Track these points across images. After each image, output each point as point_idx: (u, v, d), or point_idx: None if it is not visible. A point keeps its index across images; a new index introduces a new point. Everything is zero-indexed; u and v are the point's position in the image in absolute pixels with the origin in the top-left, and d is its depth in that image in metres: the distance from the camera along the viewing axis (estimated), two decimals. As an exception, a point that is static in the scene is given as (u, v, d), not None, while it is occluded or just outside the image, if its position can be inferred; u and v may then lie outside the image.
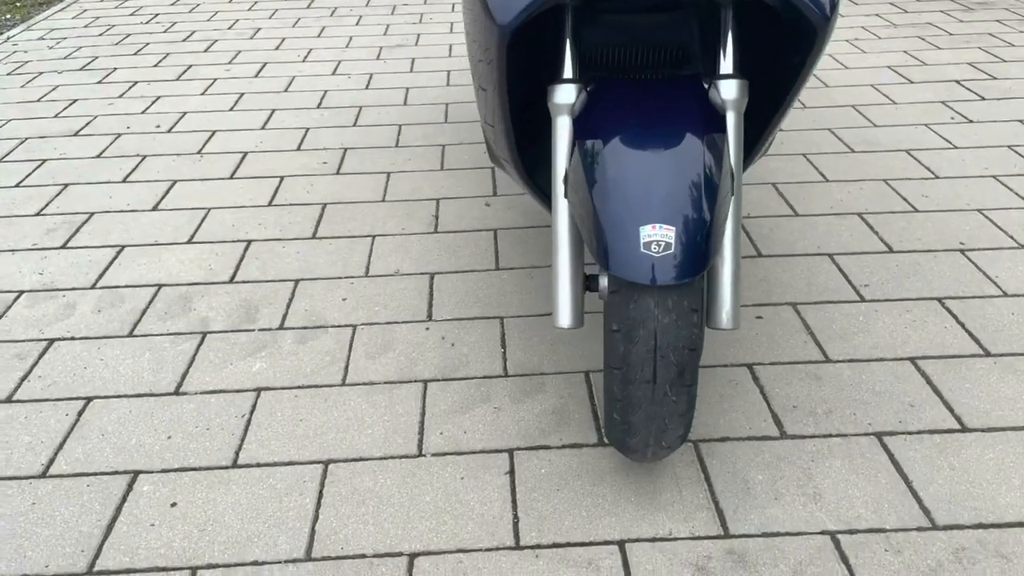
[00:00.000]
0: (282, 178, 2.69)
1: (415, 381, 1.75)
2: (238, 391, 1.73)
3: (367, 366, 1.79)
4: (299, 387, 1.74)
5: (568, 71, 1.41)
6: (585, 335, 1.87)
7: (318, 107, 3.26)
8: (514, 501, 1.45)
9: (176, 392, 1.74)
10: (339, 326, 1.93)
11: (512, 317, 1.94)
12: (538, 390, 1.71)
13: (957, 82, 3.30)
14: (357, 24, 4.37)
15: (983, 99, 3.13)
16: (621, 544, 1.36)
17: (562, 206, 1.41)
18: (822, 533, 1.37)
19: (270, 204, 2.52)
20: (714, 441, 1.56)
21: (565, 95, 1.40)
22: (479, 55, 1.50)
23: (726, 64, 1.37)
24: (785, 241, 2.23)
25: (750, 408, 1.64)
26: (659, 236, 1.15)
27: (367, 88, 3.44)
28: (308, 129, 3.06)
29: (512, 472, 1.51)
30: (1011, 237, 2.21)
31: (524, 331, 1.89)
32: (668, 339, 1.17)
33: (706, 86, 1.38)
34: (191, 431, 1.63)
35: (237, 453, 1.57)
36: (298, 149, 2.89)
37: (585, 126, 1.33)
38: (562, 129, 1.41)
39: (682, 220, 1.16)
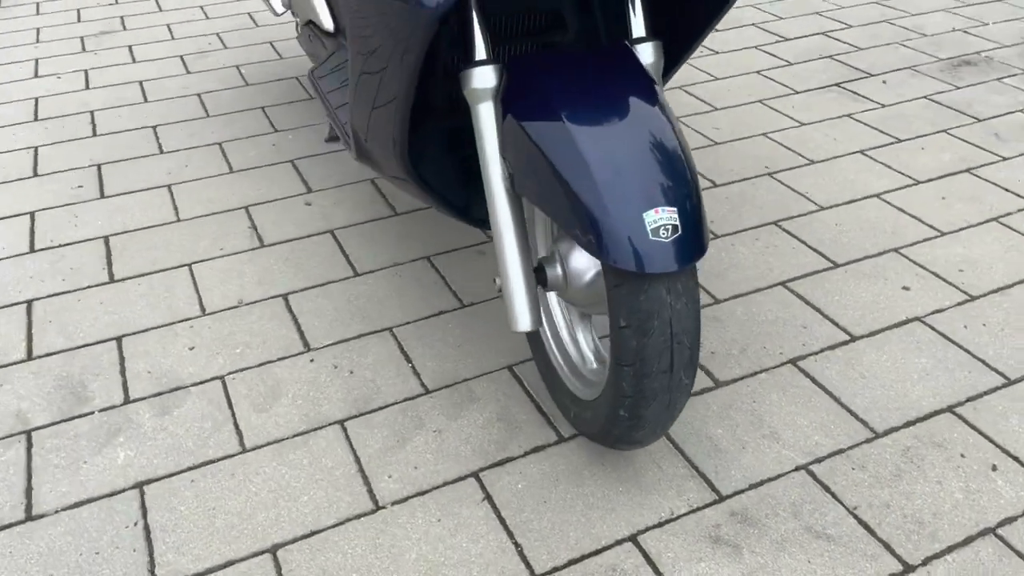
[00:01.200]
0: (32, 214, 2.19)
1: (329, 424, 1.52)
2: (113, 494, 1.40)
3: (263, 422, 1.53)
4: (190, 469, 1.44)
5: (481, 51, 1.25)
6: (487, 328, 1.75)
7: (36, 119, 2.69)
8: (507, 529, 1.32)
9: (30, 518, 1.36)
10: (202, 382, 1.62)
11: (401, 325, 1.76)
12: (469, 400, 1.57)
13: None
14: (38, 13, 3.65)
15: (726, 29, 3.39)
16: (634, 539, 1.30)
17: (501, 200, 1.28)
18: (797, 470, 1.42)
19: (33, 250, 2.04)
20: (662, 406, 1.55)
21: (484, 78, 1.25)
22: (378, 49, 1.29)
23: (638, 25, 1.30)
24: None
25: (676, 364, 1.65)
26: (665, 220, 1.07)
27: (88, 88, 2.91)
28: (36, 148, 2.52)
29: (489, 497, 1.38)
30: (800, 155, 2.43)
31: (422, 338, 1.72)
32: (682, 325, 1.11)
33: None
34: (76, 562, 1.28)
35: (153, 573, 1.27)
36: (35, 175, 2.37)
37: (525, 108, 1.20)
38: (487, 117, 1.26)
39: (678, 198, 1.09)
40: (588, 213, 1.09)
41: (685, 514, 1.34)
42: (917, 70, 2.95)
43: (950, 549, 1.29)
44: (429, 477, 1.41)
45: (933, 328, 1.74)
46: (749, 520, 1.33)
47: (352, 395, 1.59)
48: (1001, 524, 1.33)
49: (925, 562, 1.27)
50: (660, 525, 1.33)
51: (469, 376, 1.63)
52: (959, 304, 1.81)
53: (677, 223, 1.07)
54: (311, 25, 2.10)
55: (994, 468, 1.43)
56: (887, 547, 1.29)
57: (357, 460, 1.45)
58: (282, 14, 2.41)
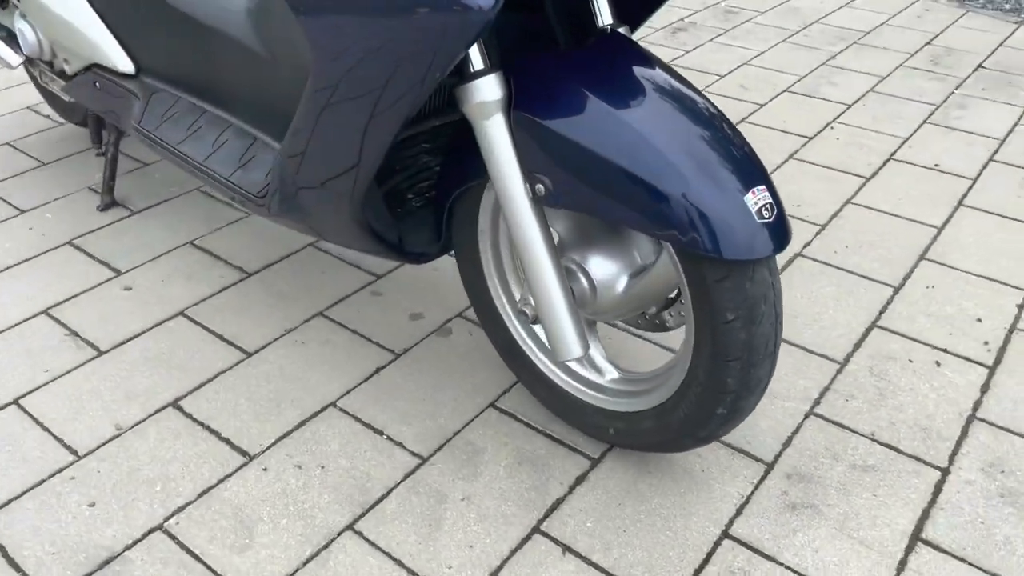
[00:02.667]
0: None
1: (339, 535, 1.25)
2: None
3: (254, 563, 1.21)
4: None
5: (479, 60, 1.09)
6: (441, 372, 1.56)
7: None
8: (607, 573, 1.20)
9: None
10: (137, 542, 1.24)
11: (343, 397, 1.50)
12: (475, 453, 1.39)
13: None
14: None
15: None
16: (727, 535, 1.26)
17: (530, 223, 1.13)
18: (808, 417, 1.48)
19: None
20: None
21: (490, 90, 1.09)
22: (370, 73, 1.04)
23: (605, 14, 1.22)
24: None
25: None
26: (763, 199, 1.02)
27: None
28: None
29: (567, 547, 1.24)
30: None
31: (377, 403, 1.49)
32: (781, 301, 1.08)
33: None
34: None
35: None
36: None
37: (557, 112, 1.06)
38: (500, 133, 1.10)
39: (760, 173, 1.05)
40: (686, 209, 1.00)
41: (752, 492, 1.33)
42: (647, 40, 3.21)
43: (958, 441, 1.43)
44: (492, 551, 1.23)
45: (815, 259, 1.92)
46: (805, 477, 1.36)
47: (343, 493, 1.32)
48: (975, 407, 1.51)
49: (951, 460, 1.40)
50: (740, 512, 1.30)
51: (457, 427, 1.44)
52: (816, 236, 2.01)
53: (771, 200, 1.03)
54: (96, 70, 1.68)
55: (938, 364, 1.61)
56: (918, 459, 1.40)
57: (399, 563, 1.21)
58: (18, 66, 1.90)
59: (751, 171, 1.04)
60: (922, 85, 2.85)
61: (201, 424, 1.45)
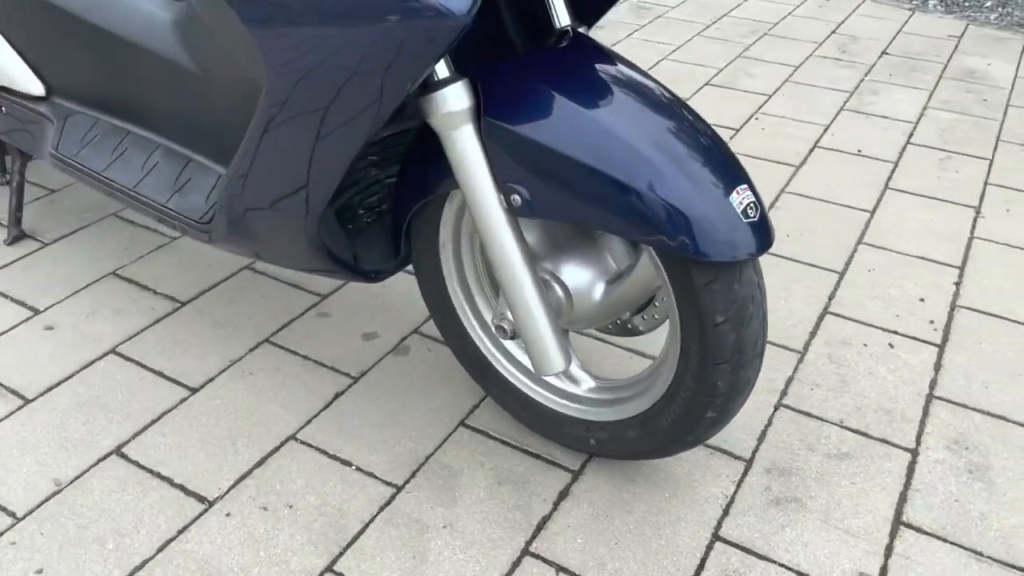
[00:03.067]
0: None
1: (317, 577, 1.18)
2: None
3: (226, 615, 1.13)
4: None
5: (443, 67, 1.03)
6: (403, 393, 1.49)
7: None
8: (605, 589, 1.17)
9: None
10: (92, 607, 1.13)
11: (302, 428, 1.42)
12: (451, 476, 1.33)
13: None
14: None
15: None
16: (717, 536, 1.24)
17: (507, 236, 1.09)
18: (777, 409, 1.48)
19: None
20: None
21: (458, 98, 1.04)
22: (327, 84, 0.96)
23: (562, 14, 1.18)
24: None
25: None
26: (746, 198, 1.00)
27: None
28: None
29: (560, 567, 1.19)
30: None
31: (340, 432, 1.41)
32: (766, 300, 1.06)
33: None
34: None
35: None
36: None
37: (530, 118, 1.02)
38: (471, 143, 1.05)
39: (740, 171, 1.03)
40: (672, 212, 0.97)
41: (736, 491, 1.32)
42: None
43: (922, 421, 1.46)
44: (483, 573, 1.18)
45: (760, 250, 1.93)
46: (785, 471, 1.36)
47: (316, 533, 1.24)
48: (932, 386, 1.54)
49: (918, 441, 1.42)
50: (727, 512, 1.29)
51: (429, 451, 1.38)
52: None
53: (754, 199, 1.02)
54: (2, 94, 1.52)
55: (891, 346, 1.65)
56: (887, 443, 1.42)
57: (388, 602, 1.15)
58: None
59: (732, 170, 1.03)
60: (834, 73, 2.93)
61: (150, 471, 1.34)
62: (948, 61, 3.08)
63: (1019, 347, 1.64)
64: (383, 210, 1.40)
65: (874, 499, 1.31)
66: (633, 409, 1.23)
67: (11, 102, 1.53)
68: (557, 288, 1.19)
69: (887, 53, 3.13)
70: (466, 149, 1.06)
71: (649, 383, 1.22)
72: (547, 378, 1.34)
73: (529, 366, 1.36)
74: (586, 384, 1.33)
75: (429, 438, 1.41)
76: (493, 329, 1.24)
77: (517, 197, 1.06)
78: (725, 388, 1.10)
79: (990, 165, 2.35)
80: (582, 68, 1.08)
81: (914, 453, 1.40)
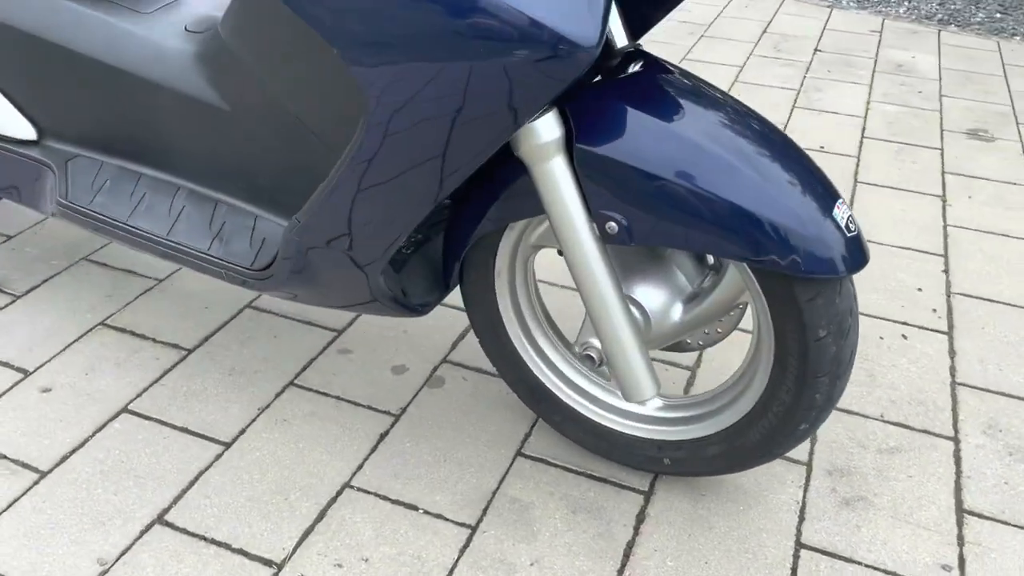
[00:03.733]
0: None
1: (414, 634, 1.12)
2: None
3: None
4: None
5: (536, 96, 0.99)
6: (449, 425, 1.44)
7: None
8: (709, 611, 1.16)
9: None
10: None
11: (355, 475, 1.34)
12: (522, 509, 1.29)
13: None
14: None
15: None
16: (800, 544, 1.25)
17: (598, 264, 1.06)
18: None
19: None
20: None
21: (550, 129, 1.00)
22: (439, 117, 0.90)
23: (620, 35, 1.16)
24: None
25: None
26: (844, 212, 1.01)
27: None
28: None
29: (659, 593, 1.18)
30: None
31: (396, 476, 1.34)
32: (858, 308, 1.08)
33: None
34: None
35: None
36: None
37: (624, 145, 0.99)
38: (563, 173, 1.02)
39: (832, 186, 1.03)
40: (780, 231, 0.97)
41: (805, 496, 1.33)
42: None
43: (953, 409, 1.52)
44: (586, 614, 1.15)
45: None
46: (844, 471, 1.38)
47: (400, 584, 1.18)
48: (952, 373, 1.61)
49: (955, 428, 1.48)
50: (803, 518, 1.30)
51: (493, 485, 1.34)
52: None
53: (850, 212, 1.03)
54: (-16, 139, 1.37)
55: (904, 337, 1.71)
56: (929, 433, 1.47)
57: (494, 650, 1.10)
58: None
59: (828, 186, 1.03)
60: (777, 72, 3.03)
61: (202, 538, 1.24)
62: (876, 56, 3.23)
63: (1019, 328, 1.73)
64: (421, 241, 1.35)
65: (933, 490, 1.35)
66: (714, 426, 1.22)
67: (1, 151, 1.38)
68: (635, 311, 1.18)
69: (819, 50, 3.26)
70: (559, 179, 1.02)
71: (731, 399, 1.22)
72: (613, 401, 1.32)
73: (593, 391, 1.34)
74: (654, 403, 1.32)
75: (489, 472, 1.36)
76: (577, 358, 1.21)
77: (613, 225, 1.03)
78: (822, 400, 1.11)
79: (942, 155, 2.48)
80: (663, 89, 1.06)
81: (955, 441, 1.45)
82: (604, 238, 1.05)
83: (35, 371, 1.54)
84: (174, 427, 1.43)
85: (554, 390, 1.35)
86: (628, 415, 1.32)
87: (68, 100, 1.31)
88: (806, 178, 1.02)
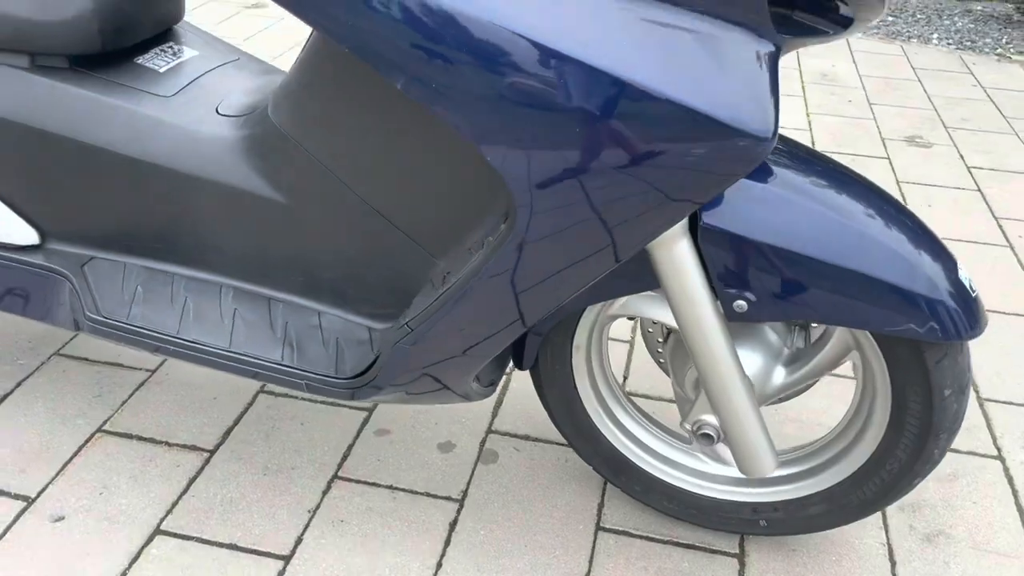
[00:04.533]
0: None
1: None
2: None
3: None
4: None
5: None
6: (522, 514, 1.36)
7: None
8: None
9: None
10: None
11: (438, 572, 1.25)
12: (624, 591, 1.24)
13: None
14: None
15: None
16: (900, 590, 1.26)
17: (719, 341, 1.02)
18: (863, 442, 1.53)
19: None
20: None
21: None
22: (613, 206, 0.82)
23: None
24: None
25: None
26: (964, 274, 1.01)
27: None
28: None
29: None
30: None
31: (469, 565, 1.26)
32: (970, 364, 1.09)
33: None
34: None
35: None
36: None
37: (747, 220, 0.96)
38: (685, 253, 0.97)
39: (948, 249, 1.03)
40: (919, 300, 0.96)
41: (888, 537, 1.34)
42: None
43: (988, 426, 1.57)
44: None
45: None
46: (914, 505, 1.40)
47: None
48: (975, 388, 1.66)
49: (996, 446, 1.53)
50: (894, 561, 1.30)
51: (584, 568, 1.27)
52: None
53: (968, 273, 1.03)
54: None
55: (920, 356, 1.75)
56: (976, 455, 1.51)
57: None
58: None
59: (947, 249, 1.03)
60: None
61: (290, 674, 1.12)
62: (799, 66, 3.35)
63: (1018, 336, 1.81)
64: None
65: (1000, 515, 1.39)
66: (817, 485, 1.21)
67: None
68: (737, 377, 1.15)
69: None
70: (683, 260, 0.98)
71: (834, 457, 1.20)
72: (702, 467, 1.29)
73: (677, 458, 1.30)
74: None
75: (575, 553, 1.30)
76: (691, 436, 1.17)
77: (742, 303, 1.00)
78: (939, 455, 1.11)
79: (891, 164, 2.58)
80: (778, 160, 1.03)
81: (1001, 460, 1.50)
82: (730, 316, 1.02)
83: (38, 497, 1.36)
84: (220, 545, 1.29)
85: (636, 460, 1.30)
86: (719, 479, 1.28)
87: (80, 197, 1.15)
88: (929, 244, 1.01)
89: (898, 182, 2.47)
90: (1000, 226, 2.24)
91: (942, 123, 2.88)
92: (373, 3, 0.77)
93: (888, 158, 2.61)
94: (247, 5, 3.75)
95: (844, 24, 0.87)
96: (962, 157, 2.63)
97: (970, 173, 2.53)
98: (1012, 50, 3.67)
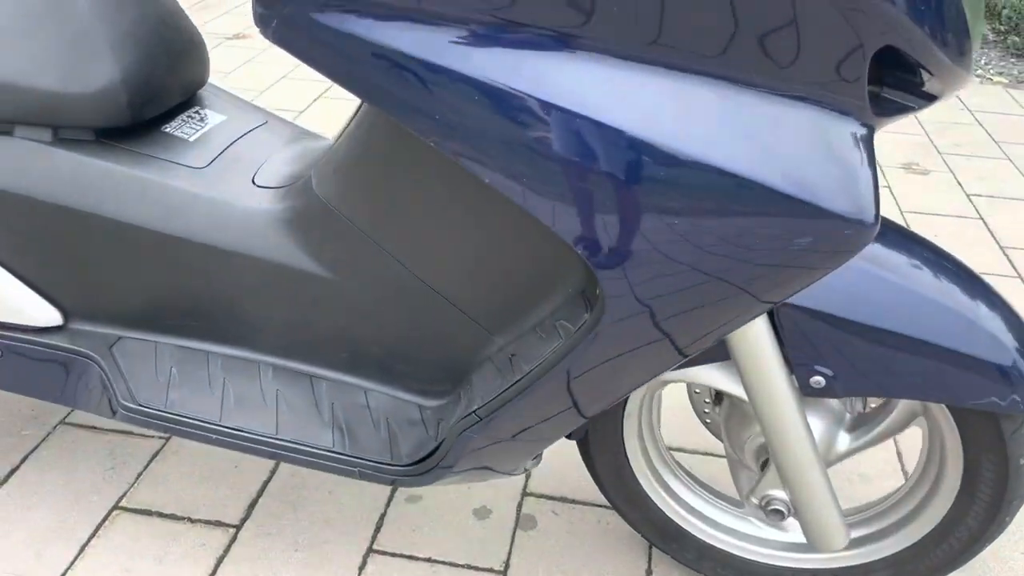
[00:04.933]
0: None
1: None
2: None
3: None
4: None
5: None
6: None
7: None
8: None
9: None
10: None
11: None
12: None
13: None
14: None
15: None
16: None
17: (793, 415, 0.99)
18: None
19: None
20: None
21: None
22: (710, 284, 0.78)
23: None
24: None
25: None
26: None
27: None
28: None
29: None
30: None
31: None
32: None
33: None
34: None
35: None
36: None
37: (814, 296, 0.93)
38: (761, 332, 0.94)
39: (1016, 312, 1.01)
40: (1002, 372, 0.94)
41: (941, 595, 1.32)
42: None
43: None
44: None
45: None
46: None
47: None
48: None
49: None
50: (951, 621, 1.28)
51: (641, 642, 1.23)
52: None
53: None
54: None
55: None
56: None
57: None
58: None
59: (1017, 314, 1.01)
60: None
61: None
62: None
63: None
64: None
65: (1049, 565, 1.38)
66: (881, 551, 1.18)
67: (7, 341, 1.11)
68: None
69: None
70: (758, 336, 0.94)
71: (900, 521, 1.17)
72: (758, 532, 1.25)
73: (732, 524, 1.26)
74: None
75: (628, 625, 1.26)
76: (761, 512, 1.13)
77: (820, 379, 0.97)
78: (1009, 521, 1.08)
79: (891, 191, 2.59)
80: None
81: (1042, 506, 1.49)
82: (806, 391, 0.98)
83: (87, 590, 1.28)
84: (257, 632, 1.23)
85: (687, 527, 1.26)
86: (774, 544, 1.25)
87: (106, 275, 1.08)
88: (1002, 311, 0.99)
89: (902, 212, 2.47)
90: (1007, 256, 2.25)
91: (936, 149, 2.90)
92: (475, 98, 0.73)
93: (888, 186, 2.62)
94: (228, 36, 3.68)
95: (929, 98, 0.85)
96: (960, 184, 2.64)
97: (970, 201, 2.54)
98: (992, 71, 3.73)
